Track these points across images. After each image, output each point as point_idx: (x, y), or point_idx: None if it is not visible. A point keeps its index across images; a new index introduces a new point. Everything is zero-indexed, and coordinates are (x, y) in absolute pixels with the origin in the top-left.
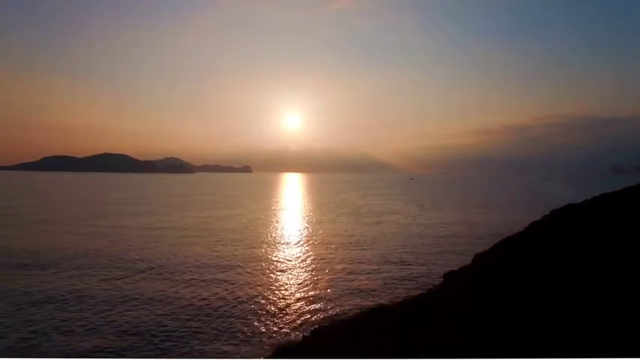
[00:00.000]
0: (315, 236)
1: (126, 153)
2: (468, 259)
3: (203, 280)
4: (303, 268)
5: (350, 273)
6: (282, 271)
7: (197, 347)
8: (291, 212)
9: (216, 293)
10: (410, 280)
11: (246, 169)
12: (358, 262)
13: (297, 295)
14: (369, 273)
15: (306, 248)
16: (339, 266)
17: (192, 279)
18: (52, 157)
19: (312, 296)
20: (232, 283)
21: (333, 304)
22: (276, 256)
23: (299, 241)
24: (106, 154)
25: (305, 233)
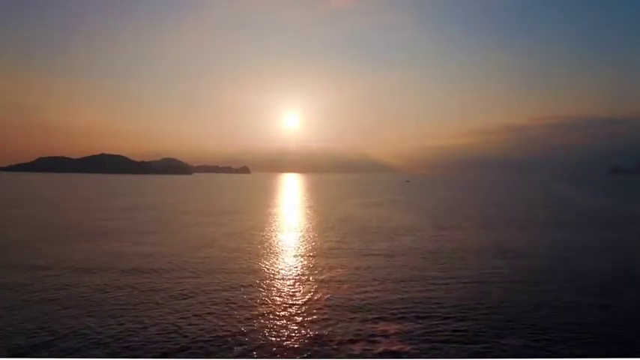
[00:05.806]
0: (316, 287)
1: (122, 154)
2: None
3: None
4: None
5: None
6: None
7: None
8: (284, 235)
9: None
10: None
11: (244, 170)
12: (386, 343)
13: None
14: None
15: (301, 319)
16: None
17: None
18: (48, 157)
19: None
20: None
21: None
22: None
23: (291, 302)
24: (102, 154)
25: (301, 277)
